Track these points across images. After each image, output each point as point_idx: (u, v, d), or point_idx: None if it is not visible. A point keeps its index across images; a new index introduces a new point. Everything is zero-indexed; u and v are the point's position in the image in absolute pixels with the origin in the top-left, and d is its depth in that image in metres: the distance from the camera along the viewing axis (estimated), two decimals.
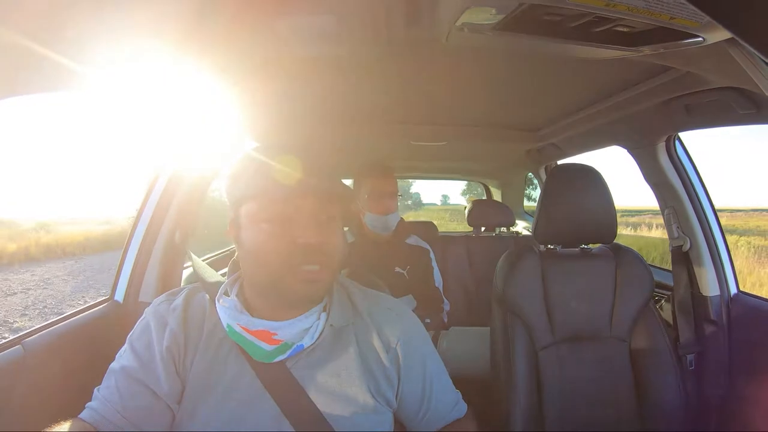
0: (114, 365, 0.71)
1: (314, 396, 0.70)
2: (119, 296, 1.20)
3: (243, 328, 0.70)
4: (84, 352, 0.99)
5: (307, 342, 0.71)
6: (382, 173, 1.69)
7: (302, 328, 0.71)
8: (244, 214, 0.70)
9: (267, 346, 0.69)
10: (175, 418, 0.70)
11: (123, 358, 0.71)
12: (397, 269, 1.68)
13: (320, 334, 0.73)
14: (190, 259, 1.23)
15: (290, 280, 0.67)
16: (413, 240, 1.80)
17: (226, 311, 0.71)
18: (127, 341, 0.73)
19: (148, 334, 0.72)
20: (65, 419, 0.65)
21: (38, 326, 0.95)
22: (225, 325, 0.71)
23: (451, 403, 0.82)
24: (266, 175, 0.68)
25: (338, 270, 0.74)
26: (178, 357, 0.70)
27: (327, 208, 0.69)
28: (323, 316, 0.74)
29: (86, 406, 0.68)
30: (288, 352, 0.70)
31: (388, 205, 1.63)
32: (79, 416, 0.67)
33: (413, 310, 1.08)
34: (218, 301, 0.74)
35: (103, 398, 0.68)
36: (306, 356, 0.72)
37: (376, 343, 0.76)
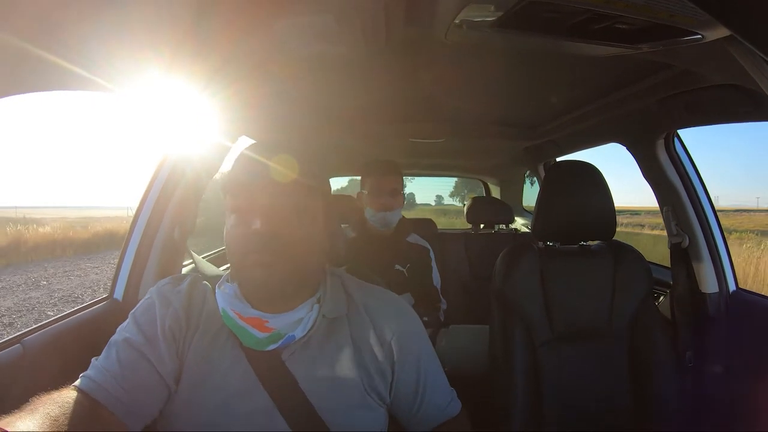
0: (115, 337, 0.71)
1: (307, 389, 0.70)
2: (118, 294, 1.20)
3: (237, 314, 0.71)
4: (84, 350, 0.98)
5: (299, 333, 0.71)
6: (382, 170, 1.68)
7: (295, 319, 0.72)
8: (225, 207, 0.72)
9: (259, 333, 0.70)
10: (170, 399, 0.70)
11: (126, 330, 0.71)
12: (397, 267, 1.68)
13: (313, 324, 0.73)
14: (191, 256, 1.22)
15: (244, 267, 0.68)
16: (414, 238, 1.80)
17: (224, 296, 0.72)
18: (129, 316, 0.73)
19: (152, 311, 0.72)
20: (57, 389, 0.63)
21: (37, 325, 0.95)
22: (221, 309, 0.72)
23: (446, 401, 0.82)
24: (235, 168, 0.71)
25: (307, 262, 0.72)
26: (179, 338, 0.71)
27: (291, 199, 0.69)
28: (316, 307, 0.74)
29: (82, 375, 0.67)
30: (280, 342, 0.71)
31: (387, 202, 1.63)
32: (75, 384, 0.65)
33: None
34: (219, 287, 0.75)
35: (102, 367, 0.67)
36: (300, 348, 0.72)
37: (371, 337, 0.76)
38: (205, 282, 0.78)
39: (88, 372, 0.67)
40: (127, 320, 0.73)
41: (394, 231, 1.73)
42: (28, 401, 0.59)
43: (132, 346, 0.69)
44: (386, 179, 1.66)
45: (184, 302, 0.73)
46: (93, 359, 0.69)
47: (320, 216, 0.73)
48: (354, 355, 0.74)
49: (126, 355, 0.68)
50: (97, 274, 9.48)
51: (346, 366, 0.73)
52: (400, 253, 1.71)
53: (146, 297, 0.75)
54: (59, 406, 0.59)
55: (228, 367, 0.71)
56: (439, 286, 1.77)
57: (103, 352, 0.70)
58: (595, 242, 1.38)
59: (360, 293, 0.80)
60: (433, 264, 1.78)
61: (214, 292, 0.75)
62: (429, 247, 1.80)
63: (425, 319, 1.58)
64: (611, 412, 1.22)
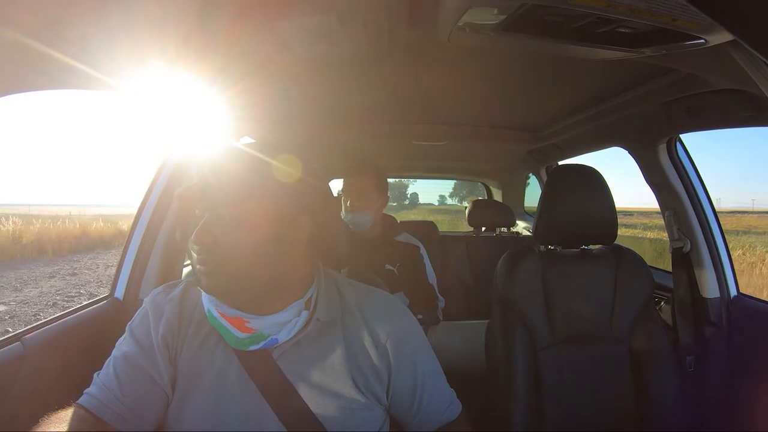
0: (115, 353, 0.72)
1: (301, 389, 0.71)
2: (119, 293, 1.20)
3: (220, 313, 0.71)
4: (84, 349, 0.99)
5: (283, 336, 0.72)
6: (351, 171, 1.72)
7: (278, 322, 0.72)
8: None
9: (239, 333, 0.71)
10: (169, 406, 0.71)
11: (124, 344, 0.72)
12: (387, 266, 1.68)
13: (302, 329, 0.73)
14: (190, 257, 1.22)
15: (195, 274, 0.71)
16: (403, 237, 1.81)
17: (209, 297, 0.73)
18: (127, 329, 0.74)
19: (146, 322, 0.73)
20: (63, 408, 0.65)
21: (38, 323, 0.95)
22: (206, 311, 0.73)
23: (445, 403, 0.82)
24: (193, 177, 0.72)
25: (253, 269, 0.69)
26: (172, 345, 0.72)
27: (222, 209, 0.68)
28: (305, 313, 0.74)
29: (85, 392, 0.68)
30: (262, 343, 0.71)
31: (350, 204, 1.65)
32: (78, 402, 0.67)
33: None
34: None
35: (102, 384, 0.68)
36: (291, 348, 0.72)
37: (366, 339, 0.75)
38: (198, 287, 0.78)
39: (91, 389, 0.69)
40: (125, 333, 0.74)
41: (381, 231, 1.74)
42: (33, 415, 0.62)
43: (129, 361, 0.70)
44: (351, 181, 1.69)
45: (175, 309, 0.74)
46: (95, 375, 0.70)
47: (268, 223, 0.70)
48: (347, 356, 0.74)
49: (124, 370, 0.69)
50: None
51: (337, 367, 0.73)
52: (389, 253, 1.71)
53: (141, 307, 0.76)
54: (67, 425, 0.62)
55: (220, 368, 0.71)
56: (435, 283, 1.77)
57: (104, 368, 0.71)
58: (597, 246, 1.38)
59: (355, 295, 0.80)
60: (426, 261, 1.78)
61: None
62: (420, 245, 1.80)
63: (420, 317, 1.58)
64: (612, 417, 1.22)
